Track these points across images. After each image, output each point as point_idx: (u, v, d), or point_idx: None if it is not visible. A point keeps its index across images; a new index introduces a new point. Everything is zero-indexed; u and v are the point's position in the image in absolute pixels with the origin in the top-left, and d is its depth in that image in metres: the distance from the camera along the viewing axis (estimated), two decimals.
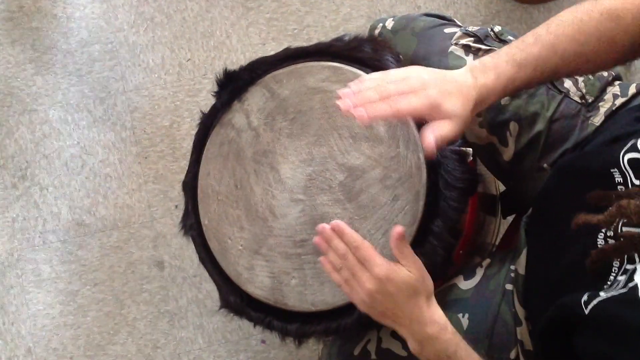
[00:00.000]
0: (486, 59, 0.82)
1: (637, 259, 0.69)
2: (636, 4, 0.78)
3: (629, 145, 0.74)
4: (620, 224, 0.71)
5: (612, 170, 0.75)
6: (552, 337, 0.77)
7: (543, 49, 0.81)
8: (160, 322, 1.65)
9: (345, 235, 0.83)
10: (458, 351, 0.81)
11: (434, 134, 0.77)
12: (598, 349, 0.67)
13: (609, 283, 0.71)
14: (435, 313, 0.83)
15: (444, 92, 0.78)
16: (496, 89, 0.81)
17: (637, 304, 0.63)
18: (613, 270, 0.71)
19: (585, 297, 0.69)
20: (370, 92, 0.79)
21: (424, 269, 0.84)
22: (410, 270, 0.82)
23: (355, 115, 0.77)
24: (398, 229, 0.81)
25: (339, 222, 0.84)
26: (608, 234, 0.73)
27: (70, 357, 1.64)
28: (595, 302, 0.67)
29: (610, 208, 0.72)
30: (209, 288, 1.64)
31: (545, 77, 0.83)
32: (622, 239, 0.70)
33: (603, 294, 0.68)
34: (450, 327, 0.83)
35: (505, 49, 0.83)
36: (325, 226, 0.85)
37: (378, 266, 0.81)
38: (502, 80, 0.80)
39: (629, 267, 0.69)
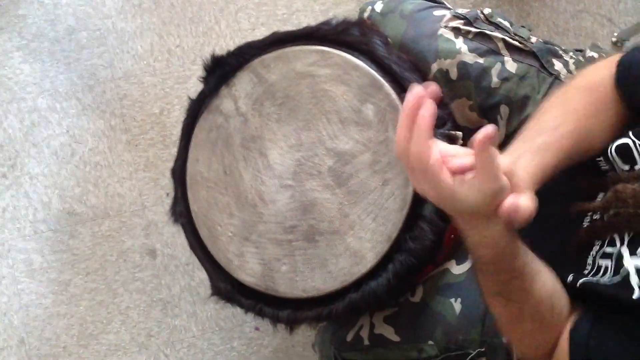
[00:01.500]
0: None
1: (618, 242, 0.68)
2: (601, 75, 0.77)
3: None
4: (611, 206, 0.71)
5: (597, 159, 0.74)
6: None
7: (544, 158, 0.74)
8: (154, 311, 1.65)
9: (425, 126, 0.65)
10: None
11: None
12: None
13: (588, 266, 0.70)
14: (508, 239, 0.69)
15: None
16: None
17: (628, 287, 0.64)
18: (591, 252, 0.71)
19: (570, 278, 0.69)
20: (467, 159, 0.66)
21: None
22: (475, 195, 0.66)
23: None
24: (488, 129, 0.61)
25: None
26: (594, 217, 0.73)
27: (63, 346, 1.63)
28: (581, 280, 0.67)
29: (607, 194, 0.71)
30: (202, 276, 1.64)
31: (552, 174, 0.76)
32: (617, 216, 0.70)
33: (591, 278, 0.68)
34: (525, 253, 0.71)
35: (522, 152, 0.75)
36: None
37: (444, 183, 0.65)
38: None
39: (609, 249, 0.69)
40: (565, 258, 0.74)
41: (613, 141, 0.74)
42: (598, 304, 0.67)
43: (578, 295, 0.70)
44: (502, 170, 0.63)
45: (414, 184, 0.69)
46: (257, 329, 1.64)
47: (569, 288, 0.70)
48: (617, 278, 0.66)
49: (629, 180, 0.70)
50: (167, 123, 1.69)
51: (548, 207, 0.79)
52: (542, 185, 0.71)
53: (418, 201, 0.91)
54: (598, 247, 0.71)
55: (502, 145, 1.00)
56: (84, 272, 1.65)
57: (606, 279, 0.67)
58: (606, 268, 0.69)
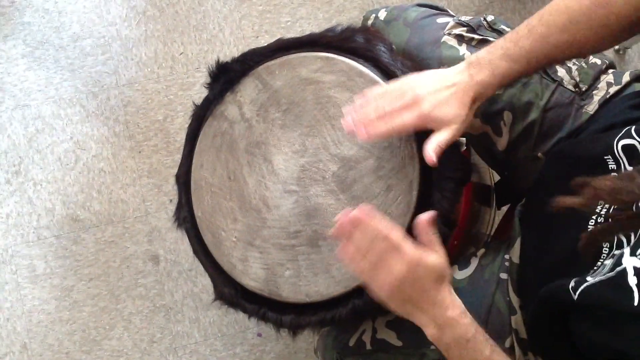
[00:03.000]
0: (482, 54, 0.86)
1: (625, 244, 0.68)
2: None
3: (623, 132, 0.74)
4: (612, 208, 0.72)
5: (605, 157, 0.75)
6: (545, 323, 0.77)
7: (535, 42, 0.83)
8: (156, 317, 1.65)
9: (375, 219, 0.81)
10: (477, 335, 0.80)
11: (432, 147, 0.84)
12: (592, 332, 0.67)
13: (595, 268, 0.71)
14: (456, 299, 0.82)
15: (437, 103, 0.85)
16: (492, 83, 0.85)
17: (625, 287, 0.63)
18: (602, 257, 0.71)
19: (572, 283, 0.69)
20: (369, 110, 0.87)
21: (446, 257, 0.83)
22: (438, 255, 0.81)
23: (358, 134, 0.87)
24: (430, 213, 0.82)
25: (368, 207, 0.82)
26: (599, 220, 0.73)
27: (66, 352, 1.64)
28: (582, 287, 0.67)
29: (586, 190, 0.71)
30: (205, 282, 1.64)
31: (542, 65, 0.86)
32: (609, 220, 0.71)
33: (590, 279, 0.68)
34: (468, 314, 0.82)
35: (500, 42, 0.85)
36: (351, 211, 0.82)
37: (410, 250, 0.79)
38: (497, 75, 0.84)
39: (617, 252, 0.69)
40: (573, 265, 0.74)
41: (619, 138, 0.74)
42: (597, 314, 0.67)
43: (576, 309, 0.70)
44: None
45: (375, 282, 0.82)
46: (259, 335, 1.64)
47: (568, 302, 0.70)
48: (611, 273, 0.66)
49: (624, 177, 0.70)
50: (170, 130, 1.70)
51: (552, 212, 0.80)
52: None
53: (422, 207, 0.91)
54: (608, 250, 0.71)
55: (506, 153, 1.02)
56: (87, 278, 1.65)
57: (601, 275, 0.67)
58: (604, 266, 0.69)
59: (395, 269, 0.79)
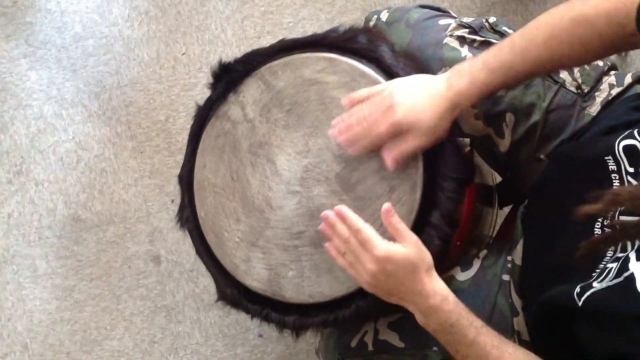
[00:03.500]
0: (464, 65, 0.88)
1: (629, 247, 0.69)
2: (606, 9, 0.78)
3: (625, 133, 0.74)
4: (618, 212, 0.72)
5: (606, 158, 0.75)
6: (547, 326, 0.77)
7: (515, 56, 0.84)
8: (157, 317, 1.65)
9: (347, 220, 0.86)
10: (460, 320, 0.82)
11: (392, 153, 0.89)
12: (597, 337, 0.67)
13: (597, 270, 0.71)
14: (437, 285, 0.85)
15: (411, 112, 0.87)
16: (470, 93, 0.87)
17: (633, 293, 0.64)
18: (605, 259, 0.71)
19: (578, 289, 0.69)
20: (352, 120, 0.91)
21: (420, 243, 0.86)
22: (406, 247, 0.84)
23: (344, 145, 0.93)
24: (386, 205, 0.85)
25: (341, 207, 0.87)
26: (605, 223, 0.73)
27: (67, 352, 1.64)
28: (588, 293, 0.67)
29: (605, 197, 0.72)
30: (206, 282, 1.64)
31: (522, 79, 0.88)
32: (617, 227, 0.71)
33: (597, 285, 0.68)
34: (452, 298, 0.84)
35: (483, 54, 0.87)
36: (329, 213, 0.88)
37: (376, 247, 0.83)
38: (475, 85, 0.86)
39: (621, 255, 0.69)
40: (575, 268, 0.74)
41: (621, 139, 0.74)
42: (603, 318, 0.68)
43: (581, 315, 0.70)
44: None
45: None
46: (260, 336, 1.64)
47: (571, 308, 0.70)
48: (619, 279, 0.66)
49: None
50: (172, 130, 1.70)
51: (556, 213, 0.80)
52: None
53: (425, 207, 0.91)
54: (612, 253, 0.71)
55: (509, 155, 1.02)
56: (88, 278, 1.65)
57: (608, 281, 0.67)
58: (610, 271, 0.69)
59: (367, 266, 0.84)
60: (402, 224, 0.86)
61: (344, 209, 0.86)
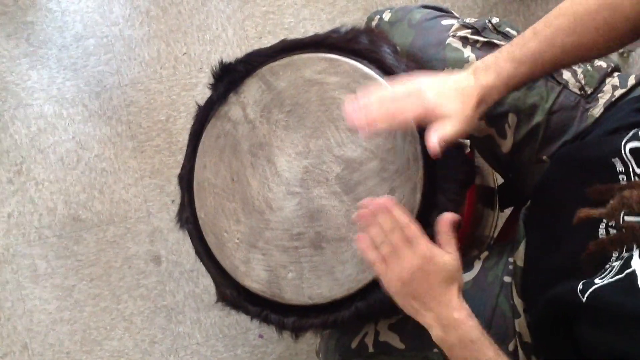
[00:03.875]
0: (488, 58, 0.85)
1: (634, 247, 0.68)
2: None
3: (630, 134, 0.74)
4: (622, 214, 0.71)
5: (613, 159, 0.74)
6: (549, 327, 0.77)
7: (541, 44, 0.82)
8: (157, 317, 1.65)
9: (394, 212, 0.84)
10: (481, 337, 0.80)
11: (437, 135, 0.81)
12: (598, 336, 0.66)
13: (602, 271, 0.70)
14: (464, 303, 0.83)
15: (442, 95, 0.83)
16: (498, 86, 0.84)
17: (634, 290, 0.63)
18: (611, 260, 0.70)
19: (580, 286, 0.68)
20: (373, 111, 0.84)
21: (461, 265, 0.85)
22: (452, 257, 0.83)
23: (357, 122, 0.84)
24: (454, 215, 0.84)
25: (390, 198, 0.85)
26: (610, 223, 0.73)
27: (66, 352, 1.63)
28: (591, 289, 0.67)
29: (612, 200, 0.71)
30: (206, 283, 1.64)
31: (547, 69, 0.85)
32: (623, 230, 0.70)
33: (599, 281, 0.67)
34: (474, 318, 0.82)
35: (506, 46, 0.85)
36: (373, 200, 0.85)
37: (424, 244, 0.82)
38: (502, 78, 0.83)
39: (626, 254, 0.69)
40: (579, 270, 0.74)
41: (627, 141, 0.74)
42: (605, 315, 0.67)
43: (584, 311, 0.70)
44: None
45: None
46: (260, 336, 1.63)
47: (575, 305, 0.69)
48: (620, 275, 0.65)
49: (636, 186, 0.70)
50: (173, 130, 1.69)
51: (559, 214, 0.80)
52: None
53: (425, 209, 0.91)
54: (617, 255, 0.70)
55: (511, 155, 1.01)
56: (88, 278, 1.65)
57: (610, 278, 0.67)
58: (612, 268, 0.68)
59: (407, 261, 0.82)
60: (454, 238, 0.84)
61: (393, 200, 0.84)
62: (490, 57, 0.85)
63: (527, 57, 0.82)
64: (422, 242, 0.82)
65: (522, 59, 0.82)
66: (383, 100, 0.85)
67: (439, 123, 0.82)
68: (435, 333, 0.82)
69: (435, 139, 0.81)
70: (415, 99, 0.83)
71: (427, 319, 0.83)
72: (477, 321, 0.82)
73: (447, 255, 0.82)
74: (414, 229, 0.82)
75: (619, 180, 0.73)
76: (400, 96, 0.84)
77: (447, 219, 0.83)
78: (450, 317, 0.81)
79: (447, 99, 0.83)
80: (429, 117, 0.83)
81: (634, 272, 0.64)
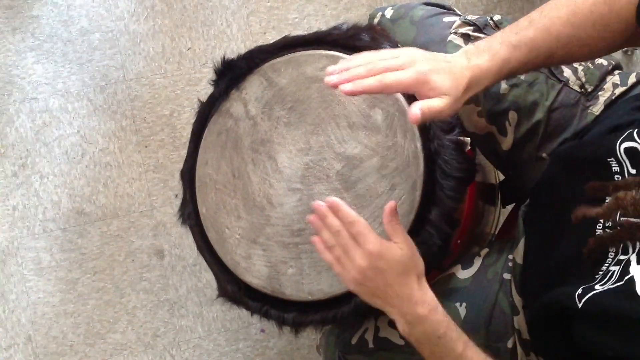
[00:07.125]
0: (480, 42, 0.82)
1: (630, 250, 0.68)
2: None
3: (625, 134, 0.74)
4: (618, 214, 0.71)
5: (609, 159, 0.74)
6: (546, 326, 0.77)
7: (537, 32, 0.80)
8: (160, 311, 1.66)
9: (340, 212, 0.84)
10: (448, 332, 0.81)
11: (421, 104, 0.75)
12: (595, 337, 0.67)
13: (600, 273, 0.70)
14: (426, 294, 0.83)
15: (434, 69, 0.77)
16: (490, 70, 0.80)
17: (633, 295, 0.64)
18: (607, 261, 0.71)
19: (580, 290, 0.69)
20: (359, 69, 0.76)
21: (415, 248, 0.85)
22: (401, 248, 0.83)
23: (341, 88, 0.75)
24: (391, 203, 0.83)
25: (334, 199, 0.85)
26: (607, 224, 0.73)
27: (70, 345, 1.64)
28: (589, 295, 0.67)
29: (608, 201, 0.72)
30: (209, 277, 1.64)
31: (541, 59, 0.82)
32: (619, 227, 0.70)
33: (599, 287, 0.68)
34: (440, 309, 0.83)
35: (499, 33, 0.83)
36: (320, 203, 0.86)
37: (370, 242, 0.82)
38: (496, 61, 0.79)
39: (622, 257, 0.69)
40: (577, 268, 0.74)
41: (621, 141, 0.74)
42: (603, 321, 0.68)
43: (580, 316, 0.70)
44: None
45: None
46: (262, 331, 1.64)
47: (571, 309, 0.70)
48: (620, 283, 0.66)
49: (631, 187, 0.70)
50: (177, 125, 1.70)
51: (558, 212, 0.80)
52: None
53: (425, 206, 0.91)
54: (613, 255, 0.71)
55: (511, 153, 1.02)
56: (91, 271, 1.66)
57: (610, 285, 0.67)
58: (612, 274, 0.69)
59: (357, 261, 0.82)
60: (401, 225, 0.84)
61: (337, 200, 0.84)
62: (483, 42, 0.82)
63: (523, 42, 0.80)
64: (370, 238, 0.82)
65: (518, 44, 0.80)
66: (370, 59, 0.79)
67: (428, 98, 0.76)
68: (402, 328, 0.83)
69: (418, 106, 0.74)
70: (408, 66, 0.77)
71: (392, 315, 0.84)
72: (444, 313, 0.82)
73: (395, 247, 0.82)
74: (362, 224, 0.82)
75: (615, 181, 0.73)
76: (390, 57, 0.78)
77: (387, 208, 0.83)
78: (414, 313, 0.81)
79: (439, 74, 0.77)
80: (418, 88, 0.77)
81: (632, 278, 0.65)
